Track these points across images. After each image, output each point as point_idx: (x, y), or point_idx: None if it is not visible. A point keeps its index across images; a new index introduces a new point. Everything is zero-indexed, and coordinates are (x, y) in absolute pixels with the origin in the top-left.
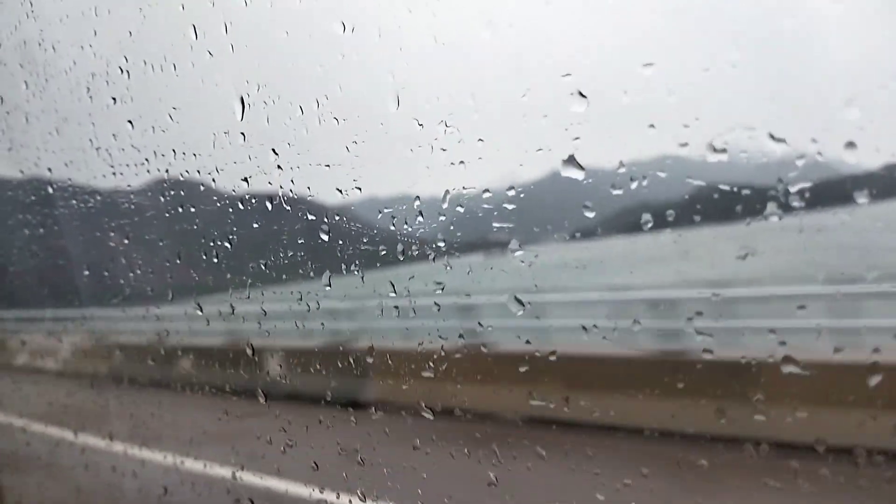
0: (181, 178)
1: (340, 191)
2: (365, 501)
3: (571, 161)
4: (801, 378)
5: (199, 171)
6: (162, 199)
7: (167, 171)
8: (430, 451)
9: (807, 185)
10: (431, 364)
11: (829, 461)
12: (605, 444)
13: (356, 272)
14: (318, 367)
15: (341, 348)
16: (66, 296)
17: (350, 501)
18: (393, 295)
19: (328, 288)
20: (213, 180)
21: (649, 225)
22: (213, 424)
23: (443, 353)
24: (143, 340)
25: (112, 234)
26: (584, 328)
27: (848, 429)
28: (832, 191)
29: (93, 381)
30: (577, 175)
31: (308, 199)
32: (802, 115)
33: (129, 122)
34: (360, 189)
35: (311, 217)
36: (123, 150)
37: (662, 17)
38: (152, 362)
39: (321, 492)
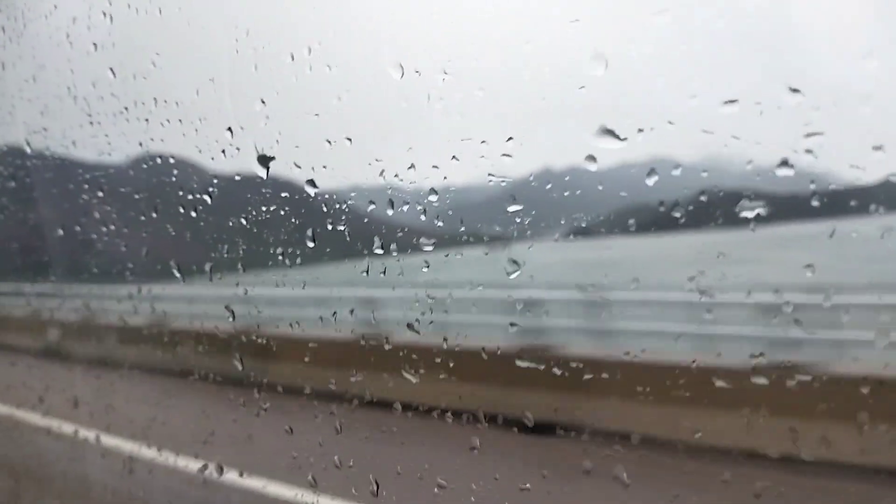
0: (161, 127)
1: (329, 142)
2: (339, 468)
3: (605, 131)
4: None
5: (180, 121)
6: (140, 148)
7: (147, 120)
8: (411, 414)
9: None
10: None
11: None
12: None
13: (342, 228)
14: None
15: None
16: (38, 257)
17: (325, 468)
18: (380, 252)
19: (311, 245)
20: (196, 131)
21: (655, 179)
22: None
23: (430, 310)
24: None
25: (86, 186)
26: None
27: None
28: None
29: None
30: (613, 144)
31: (295, 149)
32: (820, 66)
33: (111, 69)
34: (349, 140)
35: (297, 169)
36: (102, 98)
37: None
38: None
39: (295, 457)
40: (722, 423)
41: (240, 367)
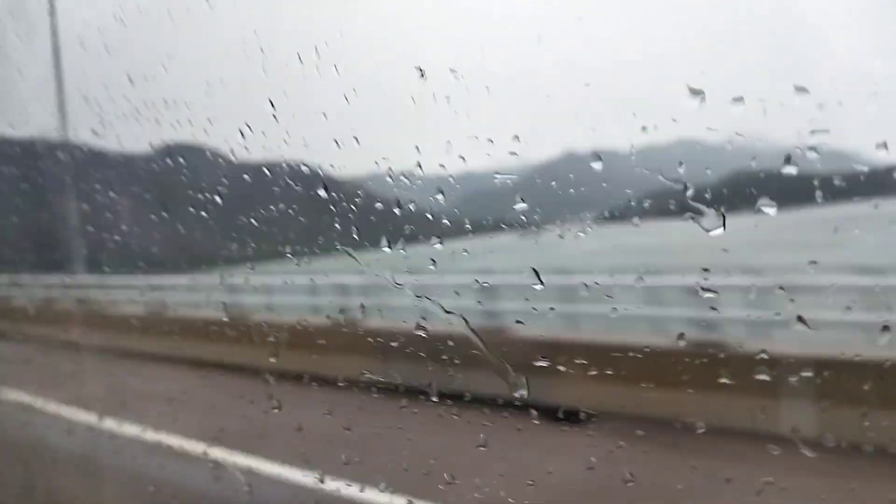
0: (172, 129)
1: (337, 142)
2: (349, 464)
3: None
4: None
5: (190, 122)
6: (150, 149)
7: (157, 121)
8: (418, 410)
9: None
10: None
11: None
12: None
13: (350, 226)
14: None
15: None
16: (51, 253)
17: (333, 461)
18: (388, 250)
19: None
20: (205, 131)
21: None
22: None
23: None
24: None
25: (97, 185)
26: None
27: None
28: None
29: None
30: (619, 142)
31: (304, 148)
32: (825, 65)
33: (126, 74)
34: (357, 140)
35: (305, 170)
36: (114, 100)
37: None
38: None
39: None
40: None
41: None
